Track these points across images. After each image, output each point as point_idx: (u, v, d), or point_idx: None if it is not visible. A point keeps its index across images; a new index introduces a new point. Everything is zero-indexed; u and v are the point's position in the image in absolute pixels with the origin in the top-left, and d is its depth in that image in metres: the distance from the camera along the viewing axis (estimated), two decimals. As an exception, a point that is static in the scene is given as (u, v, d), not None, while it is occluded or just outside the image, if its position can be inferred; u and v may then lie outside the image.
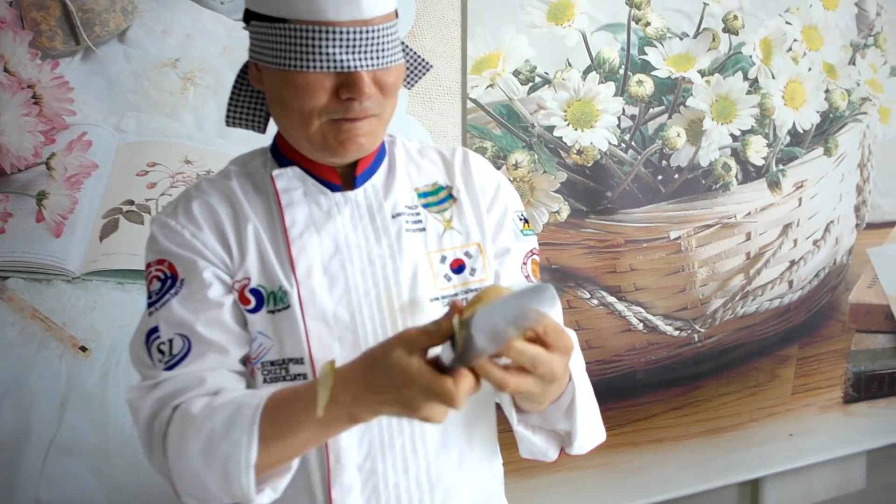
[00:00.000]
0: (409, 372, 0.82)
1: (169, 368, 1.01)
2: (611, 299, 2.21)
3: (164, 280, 1.04)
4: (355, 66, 0.97)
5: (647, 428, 2.32)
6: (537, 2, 2.01)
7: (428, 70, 1.14)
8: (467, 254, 1.09)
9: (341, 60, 0.97)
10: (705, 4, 2.21)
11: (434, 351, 0.84)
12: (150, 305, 1.05)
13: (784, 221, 2.41)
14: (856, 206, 2.57)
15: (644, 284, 2.24)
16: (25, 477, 1.66)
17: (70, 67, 1.63)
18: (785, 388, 2.52)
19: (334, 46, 0.97)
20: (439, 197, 1.13)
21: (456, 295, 1.07)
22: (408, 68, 1.13)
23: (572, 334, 1.09)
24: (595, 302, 2.19)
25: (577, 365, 1.05)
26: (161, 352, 1.01)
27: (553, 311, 0.83)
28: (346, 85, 0.98)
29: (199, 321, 1.02)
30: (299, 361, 1.03)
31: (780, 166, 2.37)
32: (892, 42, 2.52)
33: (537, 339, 0.85)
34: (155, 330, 1.02)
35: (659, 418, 2.33)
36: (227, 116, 1.13)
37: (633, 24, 2.13)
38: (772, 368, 2.50)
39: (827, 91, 2.41)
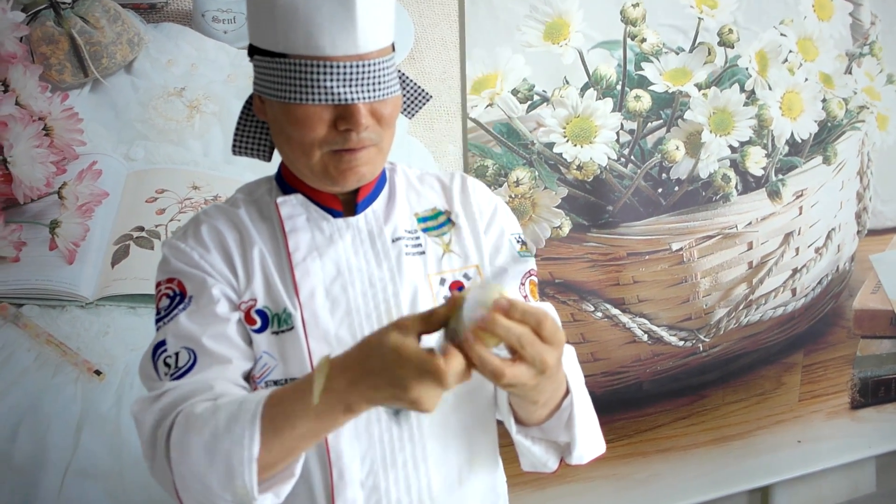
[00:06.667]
0: (402, 351, 0.83)
1: (174, 380, 1.03)
2: (615, 311, 2.23)
3: (173, 297, 1.08)
4: (352, 99, 1.01)
5: (654, 438, 2.34)
6: (533, 22, 2.05)
7: (427, 100, 1.18)
8: (466, 276, 1.13)
9: (339, 93, 1.01)
10: (700, 19, 2.24)
11: (428, 342, 0.86)
12: (158, 321, 1.09)
13: (785, 230, 2.44)
14: (857, 213, 2.59)
15: (647, 296, 2.27)
16: (43, 500, 1.69)
17: (79, 99, 1.68)
18: (792, 396, 2.54)
19: (332, 80, 1.00)
20: (438, 221, 1.16)
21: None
22: (408, 98, 1.17)
23: (570, 349, 1.12)
24: (599, 314, 2.22)
25: (576, 377, 1.07)
26: (167, 364, 1.04)
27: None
28: (344, 117, 1.02)
29: (206, 335, 1.05)
30: None
31: (780, 176, 2.40)
32: (888, 50, 2.55)
33: (533, 333, 0.86)
34: (162, 343, 1.06)
35: (666, 428, 2.36)
36: (234, 146, 1.17)
37: (628, 40, 2.17)
38: (778, 376, 2.51)
39: (824, 100, 2.44)
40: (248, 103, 1.15)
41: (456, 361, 0.82)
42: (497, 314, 0.82)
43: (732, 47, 2.28)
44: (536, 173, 2.08)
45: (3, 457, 1.66)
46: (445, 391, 0.84)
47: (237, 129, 1.16)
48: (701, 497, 2.42)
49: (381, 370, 0.86)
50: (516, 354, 0.84)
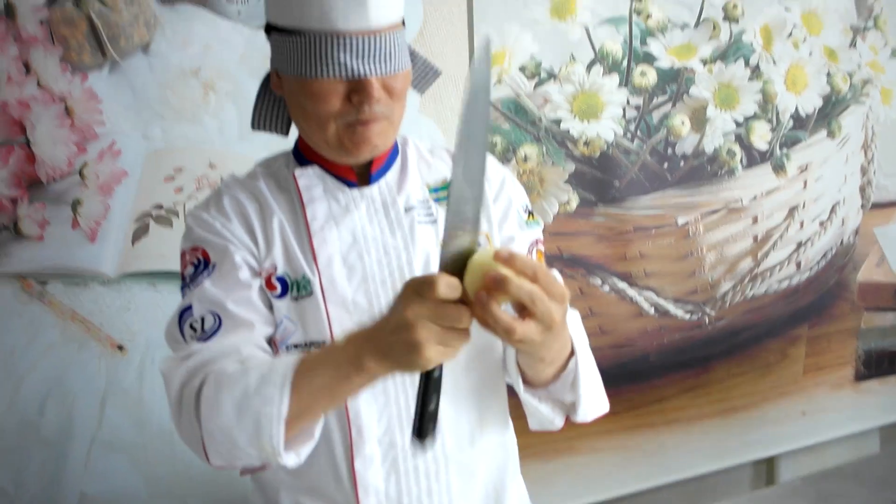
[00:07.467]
0: (404, 292, 0.87)
1: (200, 342, 1.08)
2: (622, 285, 2.27)
3: (198, 265, 1.13)
4: (364, 73, 1.06)
5: (661, 410, 2.38)
6: (540, -1, 2.09)
7: (437, 76, 1.22)
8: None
9: (352, 67, 1.05)
10: (705, -5, 2.27)
11: None
12: (183, 288, 1.14)
13: (790, 204, 2.47)
14: (861, 187, 2.61)
15: (654, 270, 2.31)
16: (71, 472, 1.74)
17: (98, 80, 1.71)
18: (796, 368, 2.57)
19: (345, 54, 1.05)
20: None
21: None
22: (418, 74, 1.21)
23: (575, 314, 1.17)
24: (607, 288, 2.26)
25: (580, 339, 1.11)
26: (193, 329, 1.09)
27: None
28: (357, 90, 1.07)
29: (230, 299, 1.10)
30: (321, 344, 1.11)
31: (784, 150, 2.43)
32: (893, 23, 2.57)
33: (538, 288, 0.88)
34: (188, 308, 1.10)
35: (673, 400, 2.39)
36: (253, 121, 1.22)
37: (634, 16, 2.19)
38: (783, 348, 2.55)
39: (828, 74, 2.47)
40: (266, 80, 1.20)
41: (444, 278, 0.84)
42: (508, 273, 0.84)
43: (737, 22, 2.31)
44: (544, 149, 2.12)
45: (32, 429, 1.71)
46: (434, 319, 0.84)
47: (256, 104, 1.21)
48: (707, 468, 2.46)
49: (390, 313, 0.89)
50: (524, 311, 0.87)
